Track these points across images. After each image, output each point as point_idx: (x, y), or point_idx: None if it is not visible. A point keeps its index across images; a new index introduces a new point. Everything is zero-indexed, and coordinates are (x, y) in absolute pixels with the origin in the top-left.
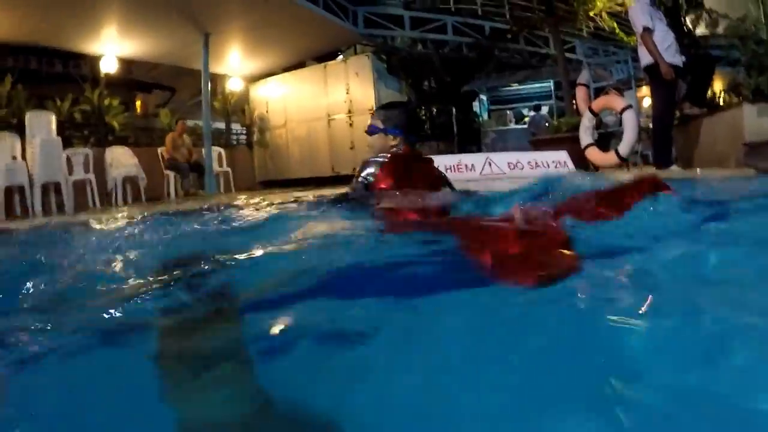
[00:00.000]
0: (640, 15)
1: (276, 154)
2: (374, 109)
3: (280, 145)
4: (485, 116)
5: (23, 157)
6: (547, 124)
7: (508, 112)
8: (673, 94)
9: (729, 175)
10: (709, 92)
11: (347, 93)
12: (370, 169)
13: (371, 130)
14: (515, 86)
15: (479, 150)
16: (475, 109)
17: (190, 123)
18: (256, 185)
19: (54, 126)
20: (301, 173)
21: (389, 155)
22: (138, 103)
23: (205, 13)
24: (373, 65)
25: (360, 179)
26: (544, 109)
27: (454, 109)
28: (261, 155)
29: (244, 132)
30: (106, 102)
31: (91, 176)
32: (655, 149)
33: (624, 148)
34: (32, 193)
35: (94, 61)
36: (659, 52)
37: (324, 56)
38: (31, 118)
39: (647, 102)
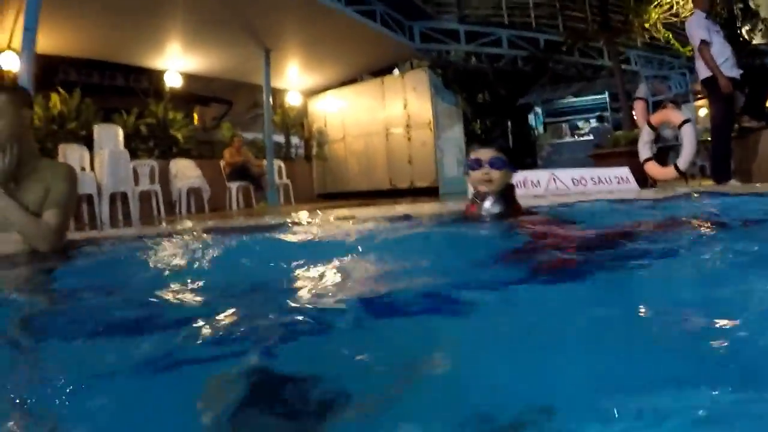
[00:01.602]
0: (698, 28)
1: (334, 167)
2: (486, 143)
3: (338, 158)
4: (540, 129)
5: (92, 168)
6: (609, 136)
7: (563, 125)
8: (732, 108)
9: None
10: None
11: (404, 108)
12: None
13: (500, 164)
14: (570, 98)
15: (535, 163)
16: (530, 122)
17: (248, 136)
18: (314, 197)
19: (121, 138)
20: (359, 186)
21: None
22: (195, 116)
23: (266, 30)
24: (430, 80)
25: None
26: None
27: (509, 122)
28: (319, 168)
29: (302, 145)
30: (170, 115)
31: (157, 187)
32: (713, 163)
33: (683, 162)
34: (100, 202)
35: (154, 75)
36: (717, 66)
37: (380, 71)
38: (99, 130)
39: (703, 112)
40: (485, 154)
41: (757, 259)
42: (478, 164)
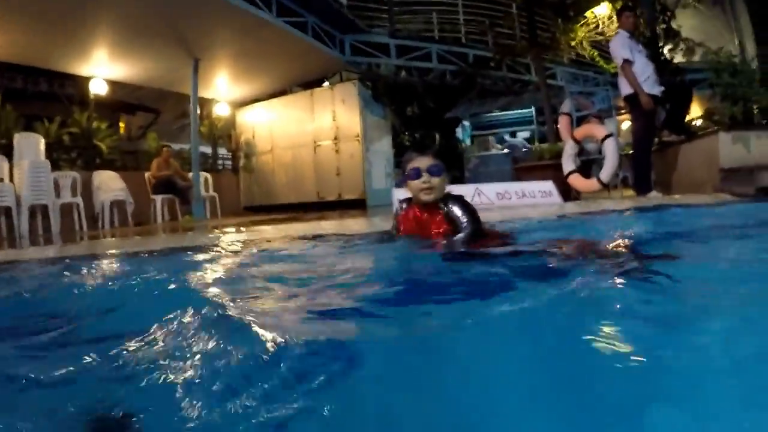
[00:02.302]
0: (621, 48)
1: (262, 180)
2: (422, 153)
3: (266, 170)
4: (468, 142)
5: (11, 179)
6: (525, 149)
7: (490, 137)
8: (653, 123)
9: (706, 200)
10: (687, 117)
11: (333, 120)
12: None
13: (438, 171)
14: (497, 112)
15: (462, 174)
16: (458, 134)
17: (175, 147)
18: (241, 210)
19: (42, 148)
20: (286, 199)
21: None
22: (122, 125)
23: (196, 39)
24: (359, 92)
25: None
26: (523, 134)
27: (437, 135)
28: (246, 180)
29: (230, 157)
30: (95, 125)
31: (79, 200)
32: (635, 175)
33: (605, 174)
34: (19, 215)
35: (80, 81)
36: (639, 83)
37: (310, 83)
38: (19, 140)
39: (626, 126)
40: (423, 162)
41: None
42: (417, 173)
